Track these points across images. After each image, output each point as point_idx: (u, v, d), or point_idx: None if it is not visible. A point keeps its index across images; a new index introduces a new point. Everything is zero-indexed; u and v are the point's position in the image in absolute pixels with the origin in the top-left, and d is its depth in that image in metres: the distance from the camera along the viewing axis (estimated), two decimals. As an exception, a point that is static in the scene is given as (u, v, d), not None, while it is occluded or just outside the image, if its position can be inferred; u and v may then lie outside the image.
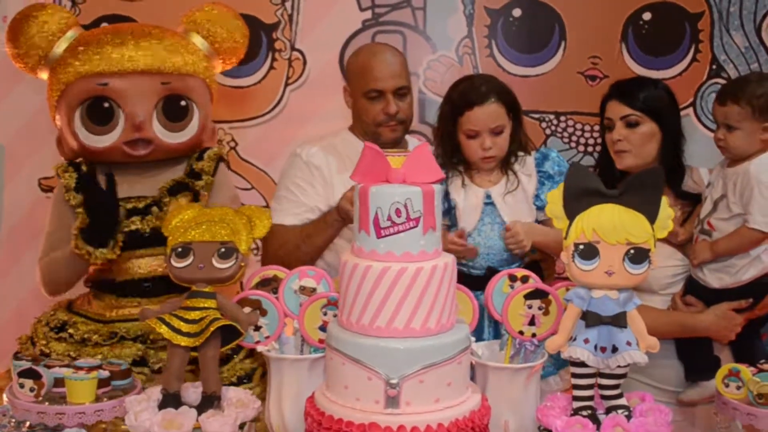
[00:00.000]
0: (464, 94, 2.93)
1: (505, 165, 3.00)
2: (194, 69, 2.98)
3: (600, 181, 2.10)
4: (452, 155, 3.00)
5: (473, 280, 2.67)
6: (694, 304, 2.84)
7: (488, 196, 2.96)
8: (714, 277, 2.79)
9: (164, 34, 2.96)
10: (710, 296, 2.81)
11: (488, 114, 2.89)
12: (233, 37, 3.12)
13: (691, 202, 2.94)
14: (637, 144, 2.89)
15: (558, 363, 2.78)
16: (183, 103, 2.95)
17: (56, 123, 3.00)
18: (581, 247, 2.04)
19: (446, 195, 2.96)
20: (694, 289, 2.86)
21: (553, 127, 3.87)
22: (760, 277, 2.77)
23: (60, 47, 2.91)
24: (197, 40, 3.05)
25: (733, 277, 2.77)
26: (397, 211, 1.95)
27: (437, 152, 3.03)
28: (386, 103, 3.10)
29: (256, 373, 2.81)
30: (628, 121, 2.89)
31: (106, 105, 2.86)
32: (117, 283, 2.90)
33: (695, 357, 2.86)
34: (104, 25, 3.64)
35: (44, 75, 2.97)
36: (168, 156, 2.97)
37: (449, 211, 2.97)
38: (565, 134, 3.88)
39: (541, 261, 3.03)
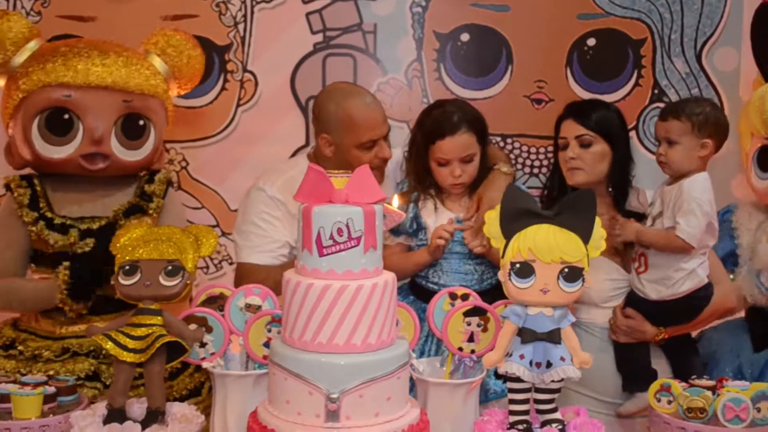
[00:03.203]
0: (436, 123, 2.99)
1: (475, 191, 3.07)
2: (155, 90, 3.03)
3: (536, 202, 2.19)
4: (424, 179, 3.06)
5: None
6: (633, 317, 2.92)
7: (459, 221, 3.01)
8: (652, 289, 2.87)
9: (128, 53, 3.01)
10: (649, 308, 2.89)
11: (459, 144, 2.96)
12: (192, 63, 3.20)
13: (636, 220, 3.02)
14: (589, 163, 2.96)
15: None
16: (141, 122, 2.99)
17: (9, 131, 3.00)
18: (517, 265, 2.11)
19: (416, 217, 3.03)
20: (633, 301, 2.94)
21: (500, 149, 3.95)
22: (696, 291, 2.86)
23: (22, 56, 2.94)
24: (157, 63, 3.10)
25: (670, 289, 2.84)
26: (339, 231, 2.00)
27: (407, 175, 3.12)
28: (380, 148, 3.12)
29: (204, 387, 2.85)
30: (582, 141, 2.97)
31: (66, 116, 2.88)
32: None
33: (633, 369, 2.93)
34: (59, 44, 3.68)
35: (1, 82, 2.98)
36: (120, 173, 3.00)
37: (417, 233, 3.04)
38: (512, 156, 3.95)
39: None
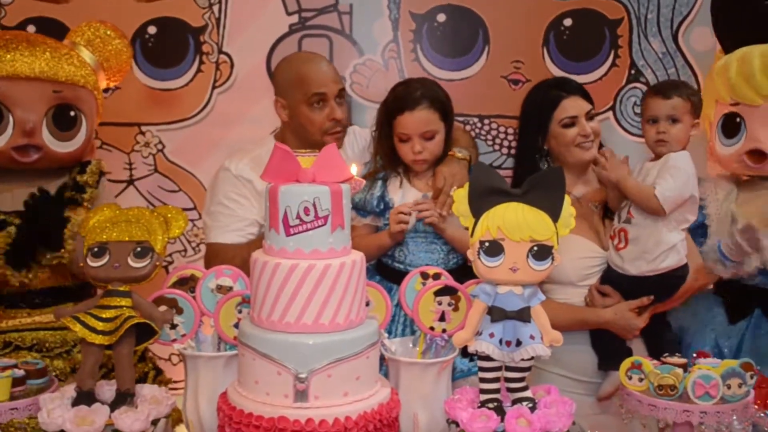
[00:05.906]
0: (398, 99, 3.00)
1: None
2: (86, 81, 3.00)
3: (504, 180, 2.18)
4: (391, 157, 3.07)
5: None
6: (610, 294, 2.93)
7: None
8: (632, 265, 2.87)
9: (56, 45, 2.98)
10: (627, 284, 2.90)
11: (418, 119, 2.96)
12: (118, 54, 3.18)
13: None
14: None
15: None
16: (72, 113, 2.97)
17: None
18: (486, 244, 2.10)
19: (383, 196, 3.02)
20: (611, 278, 2.95)
21: (477, 130, 3.93)
22: (675, 269, 2.87)
23: None
24: (85, 54, 3.08)
25: (650, 264, 2.85)
26: (306, 210, 2.00)
27: (375, 154, 3.12)
28: (331, 109, 3.12)
29: (149, 377, 2.87)
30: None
31: None
32: (5, 294, 2.89)
33: (607, 347, 2.94)
34: (30, 27, 3.64)
35: None
36: (53, 165, 2.97)
37: (384, 212, 3.03)
38: (489, 137, 3.95)
39: None
